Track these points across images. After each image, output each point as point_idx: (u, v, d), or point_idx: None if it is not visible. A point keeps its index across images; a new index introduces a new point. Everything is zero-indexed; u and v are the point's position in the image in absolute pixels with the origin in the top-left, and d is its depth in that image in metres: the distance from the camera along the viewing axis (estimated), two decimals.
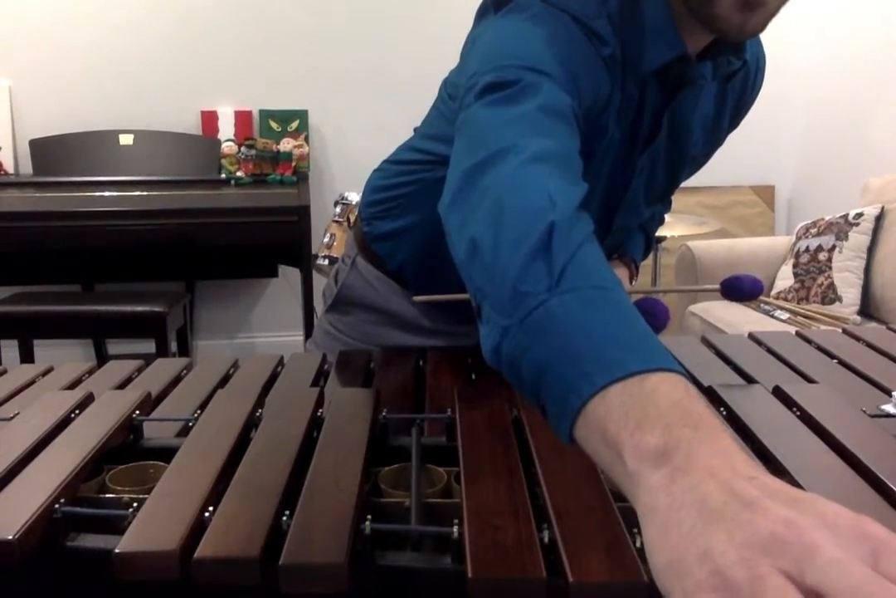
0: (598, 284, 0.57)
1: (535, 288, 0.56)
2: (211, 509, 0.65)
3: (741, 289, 1.11)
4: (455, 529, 0.61)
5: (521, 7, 0.88)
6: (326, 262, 2.80)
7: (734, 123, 1.14)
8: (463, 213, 0.67)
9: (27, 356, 2.82)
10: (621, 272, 1.20)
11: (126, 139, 3.10)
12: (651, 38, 0.91)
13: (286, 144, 3.17)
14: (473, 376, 1.06)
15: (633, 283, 1.24)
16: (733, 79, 1.06)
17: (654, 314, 1.10)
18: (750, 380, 1.02)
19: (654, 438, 0.45)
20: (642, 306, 1.10)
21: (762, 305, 2.90)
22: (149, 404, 0.93)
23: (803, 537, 0.37)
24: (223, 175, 3.12)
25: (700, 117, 1.05)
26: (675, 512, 0.42)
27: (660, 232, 2.83)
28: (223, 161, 3.15)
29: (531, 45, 0.83)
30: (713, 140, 1.13)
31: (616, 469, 0.48)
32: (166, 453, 0.77)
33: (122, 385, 1.06)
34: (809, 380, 1.02)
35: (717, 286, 1.11)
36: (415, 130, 1.19)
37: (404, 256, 1.17)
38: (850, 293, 2.76)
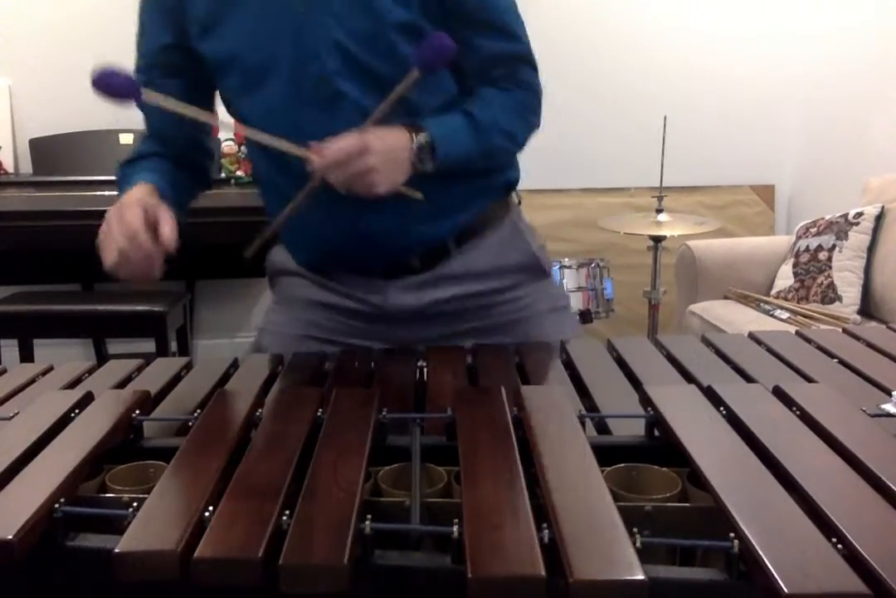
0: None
1: None
2: (211, 508, 0.65)
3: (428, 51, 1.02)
4: (455, 528, 0.61)
5: None
6: None
7: None
8: None
9: (27, 356, 2.82)
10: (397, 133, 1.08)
11: (126, 138, 3.09)
12: None
13: None
14: (474, 377, 1.06)
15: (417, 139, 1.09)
16: None
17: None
18: (750, 379, 1.02)
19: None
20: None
21: (762, 304, 2.90)
22: (148, 403, 0.93)
23: None
24: (223, 174, 3.12)
25: None
26: None
27: (660, 231, 2.85)
28: (223, 160, 3.14)
29: None
30: None
31: None
32: (166, 453, 0.77)
33: (122, 385, 1.06)
34: (809, 379, 1.02)
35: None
36: None
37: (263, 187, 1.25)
38: (850, 293, 2.76)
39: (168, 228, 1.02)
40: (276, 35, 1.08)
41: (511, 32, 1.15)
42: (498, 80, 1.16)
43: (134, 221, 1.01)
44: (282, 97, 1.09)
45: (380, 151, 1.01)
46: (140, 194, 1.06)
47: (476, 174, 1.20)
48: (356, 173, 1.01)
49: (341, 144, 1.01)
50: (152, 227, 1.02)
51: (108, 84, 1.02)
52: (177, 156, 1.23)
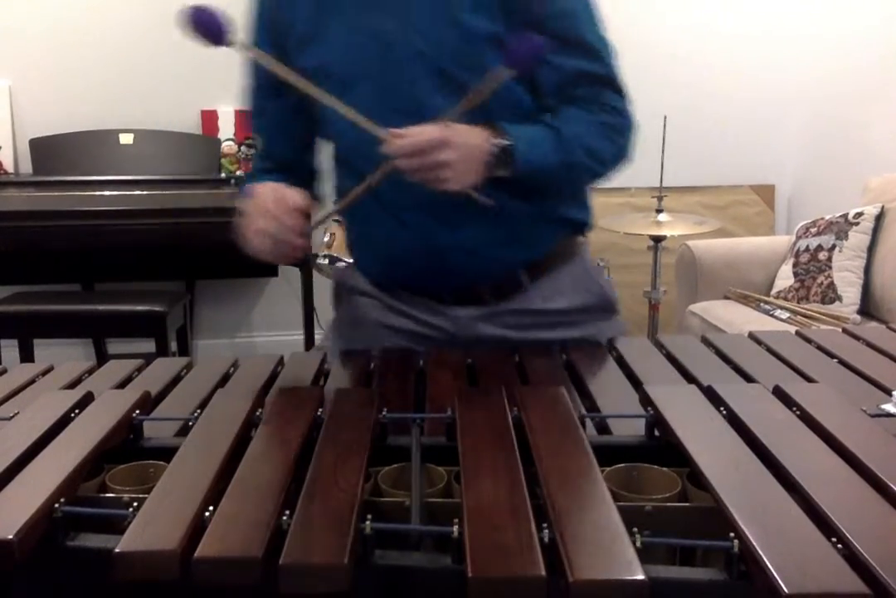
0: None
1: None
2: (211, 508, 0.65)
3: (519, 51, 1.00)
4: (455, 528, 0.62)
5: None
6: (326, 261, 2.79)
7: None
8: None
9: (27, 356, 2.82)
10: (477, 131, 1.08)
11: (126, 138, 3.09)
12: None
13: None
14: (474, 377, 1.06)
15: (496, 141, 1.07)
16: None
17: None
18: (750, 379, 1.02)
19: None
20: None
21: (762, 304, 2.90)
22: (148, 403, 0.94)
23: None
24: (223, 174, 3.12)
25: None
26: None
27: (660, 231, 2.85)
28: (223, 160, 3.14)
29: None
30: None
31: None
32: (166, 453, 0.77)
33: (122, 385, 1.06)
34: (809, 379, 1.02)
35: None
36: None
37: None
38: (849, 293, 2.76)
39: (300, 198, 1.05)
40: (366, 48, 1.11)
41: (593, 52, 1.13)
42: (579, 100, 1.13)
43: (269, 202, 1.06)
44: (369, 106, 1.08)
45: (458, 147, 1.01)
46: (269, 185, 1.10)
47: (553, 196, 1.19)
48: (430, 164, 1.00)
49: (423, 133, 1.00)
50: (288, 208, 1.05)
51: (200, 20, 1.02)
52: (286, 172, 1.25)
